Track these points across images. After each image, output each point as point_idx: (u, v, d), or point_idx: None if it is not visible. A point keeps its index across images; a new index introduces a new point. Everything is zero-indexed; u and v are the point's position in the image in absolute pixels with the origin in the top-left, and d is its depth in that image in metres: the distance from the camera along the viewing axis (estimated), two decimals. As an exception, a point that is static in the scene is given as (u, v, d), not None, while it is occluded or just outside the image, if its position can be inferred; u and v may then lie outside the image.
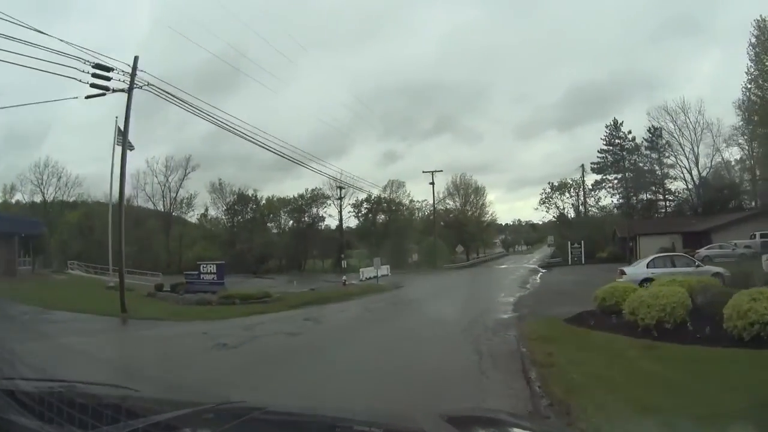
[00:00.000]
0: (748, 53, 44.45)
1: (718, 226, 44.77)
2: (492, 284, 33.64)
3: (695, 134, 58.97)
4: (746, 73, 44.43)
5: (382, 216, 76.09)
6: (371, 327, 18.49)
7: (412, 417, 2.45)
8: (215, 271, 34.66)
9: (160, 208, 67.41)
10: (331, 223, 74.36)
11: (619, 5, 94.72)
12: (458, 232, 73.72)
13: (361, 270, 52.26)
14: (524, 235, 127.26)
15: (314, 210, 73.99)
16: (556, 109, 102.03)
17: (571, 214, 63.58)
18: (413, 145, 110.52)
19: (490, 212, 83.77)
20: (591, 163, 63.08)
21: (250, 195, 71.79)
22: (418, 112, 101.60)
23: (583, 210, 62.39)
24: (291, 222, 73.53)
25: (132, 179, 58.21)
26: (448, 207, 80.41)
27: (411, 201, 73.85)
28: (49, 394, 1.95)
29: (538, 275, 41.40)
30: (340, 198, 74.30)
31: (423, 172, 65.57)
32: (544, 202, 65.00)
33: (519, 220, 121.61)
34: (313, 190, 73.11)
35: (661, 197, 61.18)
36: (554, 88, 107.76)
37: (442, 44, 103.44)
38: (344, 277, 43.64)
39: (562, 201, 64.12)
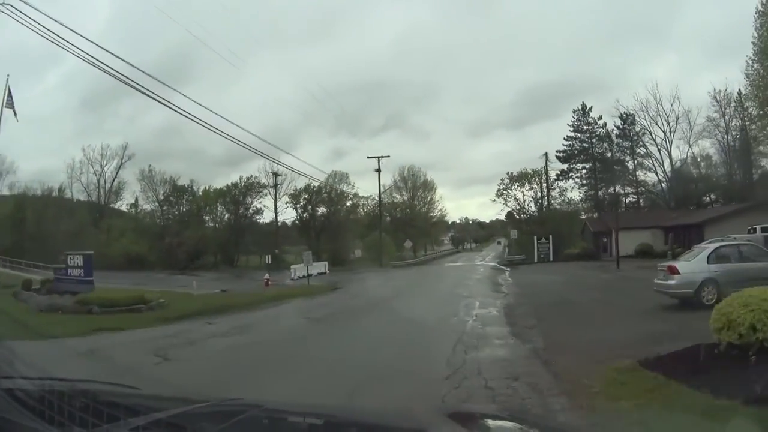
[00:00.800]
0: (754, 23, 37.46)
1: (711, 219, 37.91)
2: (455, 287, 25.11)
3: (668, 124, 52.61)
4: (752, 44, 37.51)
5: (323, 209, 66.70)
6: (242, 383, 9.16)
7: (413, 414, 2.40)
8: (82, 265, 24.55)
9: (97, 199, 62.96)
10: (270, 216, 65.90)
11: (574, 7, 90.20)
12: (406, 228, 66.88)
13: (292, 267, 43.18)
14: (473, 232, 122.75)
15: (249, 201, 65.45)
16: (506, 108, 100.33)
17: (532, 207, 56.19)
18: (362, 142, 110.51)
19: (439, 207, 76.74)
20: (556, 152, 55.88)
21: (186, 186, 64.86)
22: (368, 109, 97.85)
23: (546, 203, 55.03)
24: (227, 215, 65.62)
25: (68, 169, 58.36)
26: (395, 200, 73.10)
27: (356, 194, 64.96)
28: (49, 393, 1.89)
29: (506, 274, 33.36)
30: (275, 185, 64.77)
31: (367, 157, 56.69)
32: (501, 194, 57.35)
33: (467, 217, 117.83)
34: (248, 178, 64.04)
35: (632, 189, 54.48)
36: (505, 88, 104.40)
37: (395, 42, 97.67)
38: (266, 276, 34.54)
39: (522, 193, 56.60)
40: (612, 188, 53.60)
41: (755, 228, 34.82)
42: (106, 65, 17.69)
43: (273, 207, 64.55)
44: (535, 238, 43.25)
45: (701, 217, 38.92)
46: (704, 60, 76.34)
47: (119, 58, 21.00)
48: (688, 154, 53.25)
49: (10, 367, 2.60)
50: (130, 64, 19.25)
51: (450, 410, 2.38)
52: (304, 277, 36.29)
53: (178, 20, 76.32)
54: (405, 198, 74.29)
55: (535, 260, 43.11)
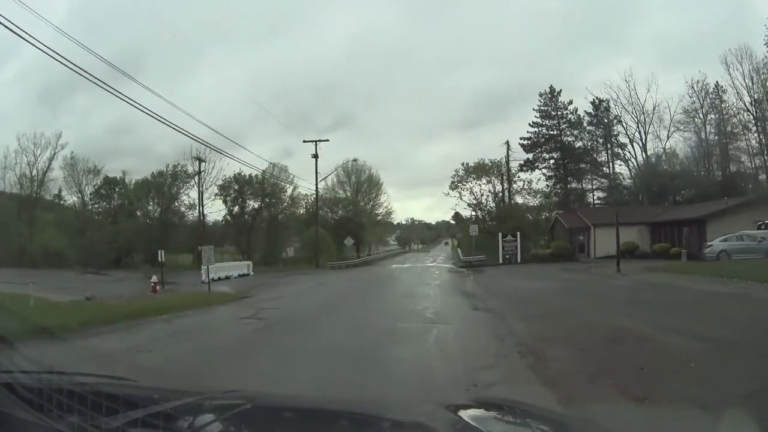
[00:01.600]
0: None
1: (713, 214, 31.03)
2: (410, 301, 16.54)
3: (643, 113, 46.12)
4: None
5: (256, 202, 57.14)
6: None
7: (414, 408, 2.34)
8: None
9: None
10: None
11: (528, 12, 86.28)
12: (349, 225, 58.96)
13: (203, 268, 33.76)
14: (419, 233, 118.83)
15: (177, 192, 56.05)
16: (455, 111, 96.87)
17: (491, 203, 48.49)
18: (309, 143, 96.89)
19: (385, 205, 69.19)
20: (521, 138, 48.27)
21: (118, 178, 57.08)
22: (318, 109, 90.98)
23: (507, 197, 47.43)
24: (159, 209, 56.34)
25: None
26: (339, 196, 64.69)
27: (295, 188, 55.58)
28: (48, 386, 1.83)
29: (471, 279, 25.25)
30: (198, 173, 54.66)
31: (304, 141, 47.39)
32: (456, 186, 49.38)
33: (412, 218, 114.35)
34: (174, 166, 54.22)
35: (605, 183, 47.53)
36: (453, 92, 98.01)
37: (347, 43, 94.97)
38: (154, 279, 25.39)
39: (479, 186, 48.81)
40: (585, 182, 46.74)
41: (765, 223, 28.49)
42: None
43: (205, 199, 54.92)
44: (501, 235, 35.35)
45: (701, 212, 31.98)
46: (661, 65, 72.00)
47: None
48: (665, 146, 46.95)
49: (9, 361, 2.56)
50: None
51: (452, 402, 2.08)
52: (219, 279, 30.50)
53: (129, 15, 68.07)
54: (348, 194, 65.99)
55: (500, 261, 35.22)
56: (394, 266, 43.44)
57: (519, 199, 48.24)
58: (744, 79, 42.43)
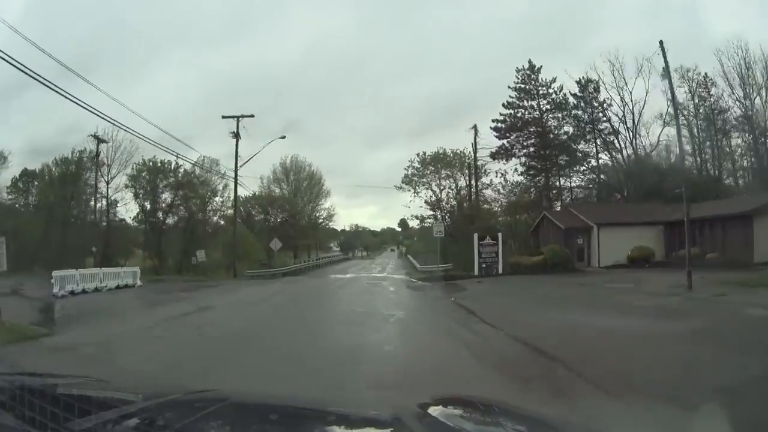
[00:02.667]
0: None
1: (759, 209, 22.27)
2: (356, 363, 6.26)
3: (632, 100, 37.76)
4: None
5: (173, 196, 45.39)
6: None
7: (386, 406, 2.15)
8: None
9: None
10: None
11: (487, 19, 76.86)
12: (285, 228, 49.00)
13: (55, 275, 22.85)
14: (363, 239, 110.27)
15: (81, 181, 44.73)
16: (404, 119, 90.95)
17: (453, 201, 38.82)
18: (256, 144, 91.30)
19: (327, 206, 59.60)
20: (493, 121, 38.55)
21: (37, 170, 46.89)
22: (266, 113, 79.53)
23: (474, 191, 37.77)
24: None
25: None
26: (275, 194, 54.19)
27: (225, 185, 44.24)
28: (19, 388, 1.76)
29: (450, 303, 15.07)
30: (96, 156, 42.51)
31: (223, 117, 36.06)
32: (410, 181, 39.56)
33: (357, 224, 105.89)
34: (81, 151, 42.75)
35: (593, 176, 38.54)
36: (403, 99, 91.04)
37: (296, 47, 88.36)
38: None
39: (437, 180, 39.09)
40: (571, 173, 37.65)
41: None
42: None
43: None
44: (476, 237, 25.38)
45: (744, 207, 23.18)
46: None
47: None
48: (659, 137, 38.56)
49: None
50: None
51: (426, 400, 1.93)
52: (83, 292, 22.85)
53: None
54: (286, 192, 55.66)
55: (475, 272, 25.18)
56: (334, 277, 32.85)
57: (490, 195, 38.87)
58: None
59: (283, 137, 35.96)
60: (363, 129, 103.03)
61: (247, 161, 35.00)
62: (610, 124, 37.97)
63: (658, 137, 38.05)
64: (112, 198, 44.26)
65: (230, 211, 51.64)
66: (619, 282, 19.03)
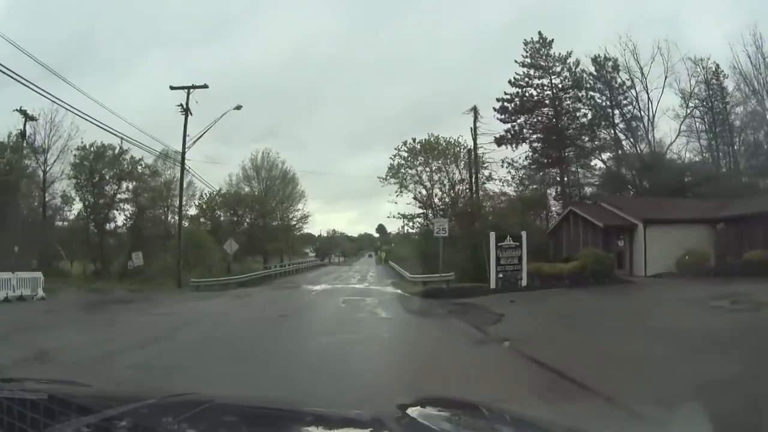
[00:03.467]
0: None
1: None
2: None
3: (646, 89, 31.60)
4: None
5: (117, 188, 37.32)
6: None
7: (366, 407, 2.08)
8: None
9: None
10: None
11: (467, 25, 73.89)
12: (253, 230, 43.88)
13: None
14: (341, 245, 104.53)
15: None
16: (384, 125, 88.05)
17: (447, 197, 32.01)
18: (236, 150, 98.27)
19: (301, 207, 52.19)
20: (497, 100, 31.59)
21: None
22: (246, 116, 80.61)
23: (474, 184, 30.89)
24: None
25: None
26: (244, 192, 47.35)
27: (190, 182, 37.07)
28: None
29: (525, 348, 8.06)
30: (23, 136, 34.73)
31: (171, 88, 28.48)
32: (396, 173, 32.70)
33: (334, 230, 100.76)
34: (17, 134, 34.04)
35: (608, 166, 32.01)
36: (384, 105, 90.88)
37: (276, 51, 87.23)
38: None
39: (430, 171, 32.28)
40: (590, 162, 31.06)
41: None
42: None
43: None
44: (493, 237, 18.20)
45: None
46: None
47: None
48: (680, 128, 32.50)
49: None
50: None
51: (407, 402, 1.85)
52: None
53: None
54: (256, 191, 48.42)
55: (492, 285, 18.16)
56: (304, 288, 25.57)
57: (493, 189, 32.09)
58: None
59: (239, 107, 28.43)
60: (343, 134, 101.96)
61: (197, 139, 27.40)
62: (635, 106, 31.60)
63: (679, 127, 32.02)
64: (56, 192, 36.67)
65: (192, 211, 45.00)
66: (717, 299, 12.38)
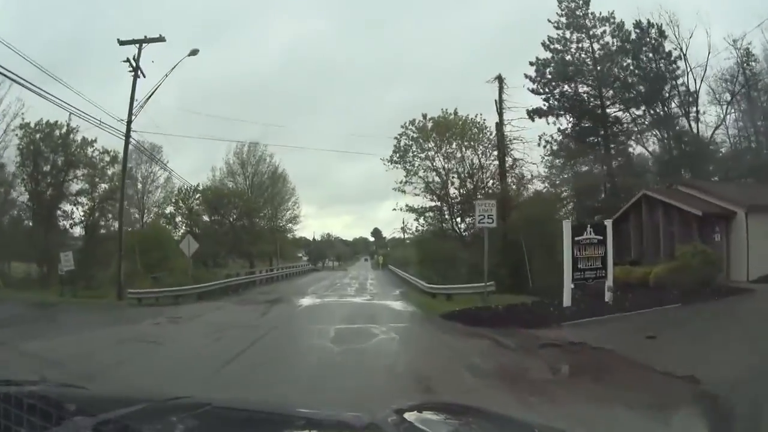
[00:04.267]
0: None
1: None
2: None
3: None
4: None
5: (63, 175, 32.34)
6: None
7: (362, 410, 1.95)
8: None
9: None
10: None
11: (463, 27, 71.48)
12: (236, 230, 38.38)
13: None
14: (337, 248, 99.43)
15: None
16: (381, 128, 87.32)
17: (468, 184, 25.59)
18: (228, 154, 79.55)
19: (291, 206, 46.73)
20: (530, 63, 24.81)
21: None
22: (242, 120, 76.43)
23: (500, 167, 24.29)
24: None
25: None
26: (228, 188, 41.39)
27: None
28: None
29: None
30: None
31: (120, 42, 21.68)
32: (402, 156, 26.32)
33: (329, 233, 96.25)
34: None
35: (671, 144, 25.50)
36: (381, 108, 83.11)
37: (275, 54, 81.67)
38: None
39: (444, 154, 25.83)
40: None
41: None
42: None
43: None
44: (569, 227, 11.20)
45: None
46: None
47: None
48: (725, 111, 26.30)
49: None
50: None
51: (402, 406, 1.80)
52: None
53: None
54: (241, 187, 42.41)
55: (565, 301, 11.50)
56: (283, 305, 18.79)
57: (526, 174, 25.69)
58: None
59: (195, 52, 21.33)
60: (338, 138, 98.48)
61: (144, 102, 20.46)
62: (689, 78, 25.25)
63: (725, 111, 25.79)
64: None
65: (170, 209, 38.55)
66: None
